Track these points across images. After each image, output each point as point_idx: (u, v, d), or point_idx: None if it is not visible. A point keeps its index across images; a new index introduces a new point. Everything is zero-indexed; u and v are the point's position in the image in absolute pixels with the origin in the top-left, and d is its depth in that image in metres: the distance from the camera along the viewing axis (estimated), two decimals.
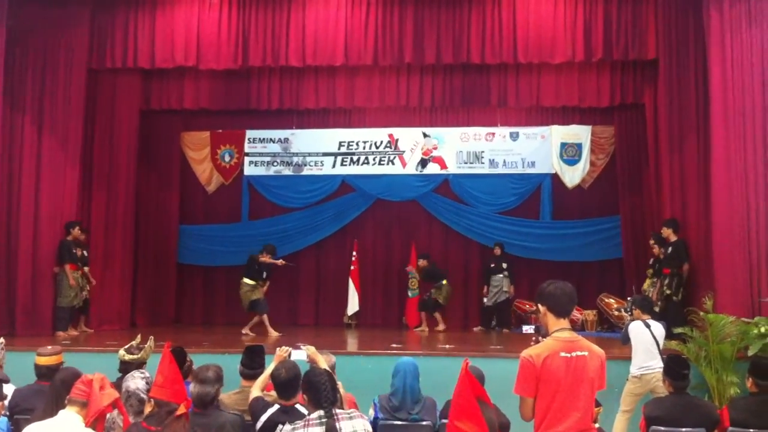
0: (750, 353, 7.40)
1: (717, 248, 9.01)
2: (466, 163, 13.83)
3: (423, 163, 13.89)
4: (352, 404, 5.36)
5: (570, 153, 13.53)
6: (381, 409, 5.42)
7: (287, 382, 4.64)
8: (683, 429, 5.33)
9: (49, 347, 5.58)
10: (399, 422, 5.27)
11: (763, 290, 8.55)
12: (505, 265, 12.80)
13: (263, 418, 4.54)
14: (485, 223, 13.69)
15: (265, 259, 11.78)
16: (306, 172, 14.11)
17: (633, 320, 7.70)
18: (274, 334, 11.24)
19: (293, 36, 11.03)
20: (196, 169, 14.35)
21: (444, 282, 12.56)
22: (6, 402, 4.86)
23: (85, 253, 11.40)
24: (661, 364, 6.80)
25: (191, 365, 5.45)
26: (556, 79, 12.14)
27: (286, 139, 14.17)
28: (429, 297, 12.58)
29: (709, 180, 9.31)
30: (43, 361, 5.43)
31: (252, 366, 5.49)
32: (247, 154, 14.24)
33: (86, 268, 11.35)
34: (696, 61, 10.09)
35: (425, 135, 13.94)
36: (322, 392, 4.07)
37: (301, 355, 5.35)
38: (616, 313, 12.01)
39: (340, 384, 4.78)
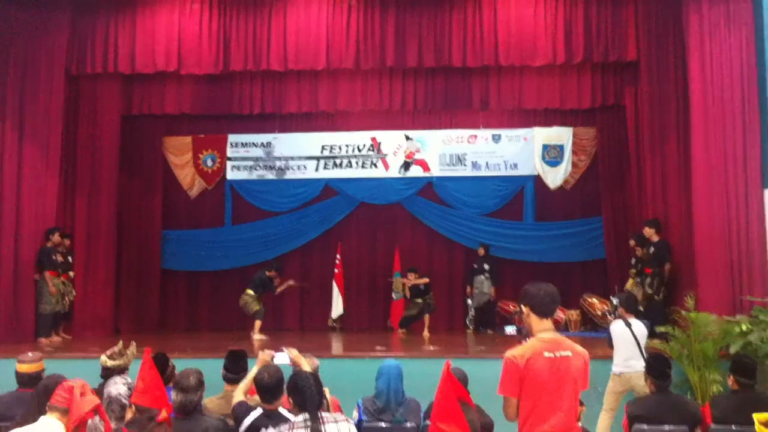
0: (732, 351, 7.45)
1: (699, 247, 9.07)
2: (449, 165, 13.86)
3: (406, 166, 13.91)
4: (337, 407, 5.37)
5: (552, 155, 13.59)
6: (365, 411, 5.43)
7: (270, 386, 4.63)
8: (666, 427, 5.36)
9: (30, 354, 5.53)
10: (383, 424, 5.27)
11: (745, 289, 8.61)
12: (486, 267, 12.81)
13: (246, 422, 4.52)
14: (469, 225, 13.72)
15: (277, 281, 12.22)
16: (289, 176, 14.09)
17: (615, 319, 7.74)
18: (260, 336, 11.25)
19: (275, 40, 11.00)
20: (179, 174, 14.29)
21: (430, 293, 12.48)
22: None
23: (69, 259, 11.34)
24: (643, 363, 6.84)
25: (173, 370, 5.43)
26: (538, 81, 12.21)
27: (269, 143, 14.14)
28: (423, 304, 12.38)
29: (690, 180, 9.37)
30: (25, 368, 5.40)
31: (235, 370, 5.49)
32: (230, 159, 14.20)
33: (71, 273, 11.28)
34: (676, 63, 10.18)
35: (408, 138, 13.96)
36: (307, 396, 4.05)
37: (284, 358, 5.33)
38: (599, 313, 12.07)
39: (326, 389, 4.78)
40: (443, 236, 13.87)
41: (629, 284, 10.74)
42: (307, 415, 4.00)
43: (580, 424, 4.47)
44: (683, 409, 5.55)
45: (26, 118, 10.93)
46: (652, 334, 7.82)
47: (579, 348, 3.97)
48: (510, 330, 12.18)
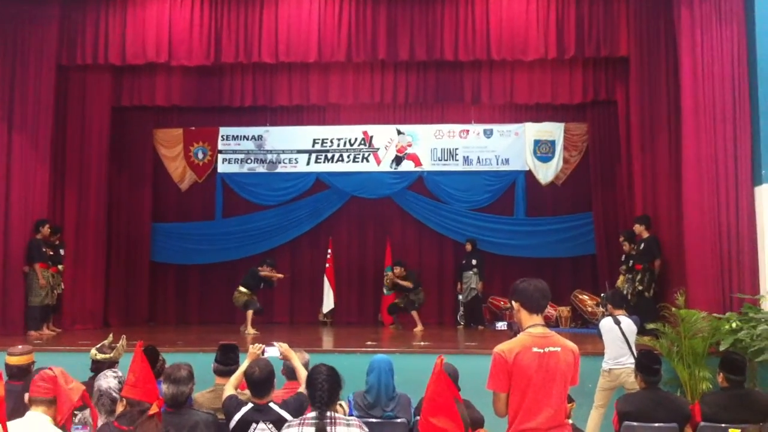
0: (721, 348, 7.44)
1: (688, 244, 9.08)
2: (440, 160, 13.86)
3: (397, 160, 13.90)
4: None
5: (543, 150, 13.61)
6: (355, 406, 5.42)
7: (261, 381, 4.62)
8: (655, 424, 5.37)
9: (20, 347, 5.51)
10: (374, 419, 5.26)
11: (735, 286, 8.62)
12: (474, 262, 12.80)
13: (237, 416, 4.51)
14: (459, 220, 13.73)
15: (266, 273, 11.98)
16: (280, 169, 14.07)
17: (605, 316, 7.75)
18: (251, 331, 11.24)
19: (266, 32, 10.97)
20: (169, 166, 14.24)
21: (420, 288, 12.35)
22: None
23: (61, 252, 11.30)
24: (632, 360, 6.88)
25: (164, 364, 5.40)
26: (529, 76, 12.22)
27: (260, 137, 14.11)
28: (406, 300, 12.28)
29: (681, 176, 9.37)
30: (14, 360, 5.37)
31: (226, 363, 5.49)
32: (221, 152, 14.16)
33: (60, 267, 11.23)
34: (667, 58, 10.17)
35: (399, 132, 13.95)
36: (317, 392, 4.02)
37: (274, 352, 5.32)
38: (590, 309, 12.10)
39: None
40: (433, 231, 13.88)
41: (620, 281, 10.76)
42: (316, 413, 3.98)
43: (570, 420, 4.47)
44: (673, 405, 5.56)
45: (15, 110, 10.87)
46: (642, 331, 7.83)
47: (569, 344, 3.96)
48: (501, 325, 12.20)
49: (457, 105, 13.59)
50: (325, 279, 13.46)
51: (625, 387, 7.06)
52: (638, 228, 10.40)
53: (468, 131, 13.86)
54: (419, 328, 11.80)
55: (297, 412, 4.56)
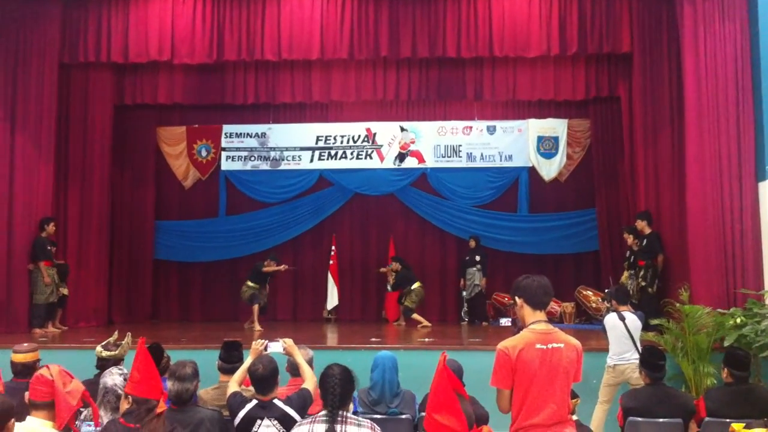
0: (726, 344, 7.45)
1: (692, 240, 9.08)
2: (443, 156, 13.85)
3: (401, 157, 13.89)
4: None
5: (547, 146, 13.59)
6: (360, 403, 5.43)
7: (264, 377, 4.62)
8: (660, 420, 5.38)
9: (26, 344, 5.52)
10: (378, 416, 5.27)
11: (738, 281, 8.62)
12: (478, 258, 12.80)
13: (241, 413, 4.52)
14: (463, 216, 13.72)
15: (269, 268, 12.02)
16: (283, 166, 14.06)
17: (609, 312, 7.75)
18: (258, 327, 11.27)
19: (268, 30, 10.98)
20: (173, 164, 14.25)
21: (416, 285, 12.28)
22: None
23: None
24: (636, 356, 6.87)
25: (168, 361, 5.42)
26: (532, 72, 12.20)
27: (263, 134, 14.11)
28: (402, 306, 12.33)
29: (684, 172, 9.36)
30: (20, 358, 5.38)
31: (230, 360, 5.50)
32: (224, 149, 14.16)
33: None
34: (670, 55, 10.17)
35: (402, 129, 13.94)
36: (328, 393, 4.00)
37: (277, 347, 5.30)
38: (594, 305, 12.10)
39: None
40: (436, 227, 13.88)
41: (624, 277, 10.76)
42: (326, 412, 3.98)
43: (574, 417, 4.48)
44: (677, 401, 5.57)
45: (18, 109, 10.88)
46: (646, 327, 7.83)
47: (572, 340, 3.96)
48: (505, 322, 12.21)
49: (460, 102, 13.57)
50: (329, 276, 13.48)
51: (630, 383, 7.07)
52: (640, 224, 10.40)
53: (471, 128, 13.84)
54: (425, 323, 11.86)
55: (301, 408, 4.57)
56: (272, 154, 14.07)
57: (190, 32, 11.04)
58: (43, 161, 11.02)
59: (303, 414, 4.53)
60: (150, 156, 14.00)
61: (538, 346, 3.84)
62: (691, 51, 9.28)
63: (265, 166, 14.10)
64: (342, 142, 13.98)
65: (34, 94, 10.99)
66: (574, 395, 4.33)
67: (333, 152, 13.98)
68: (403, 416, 5.36)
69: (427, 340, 9.99)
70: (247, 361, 5.03)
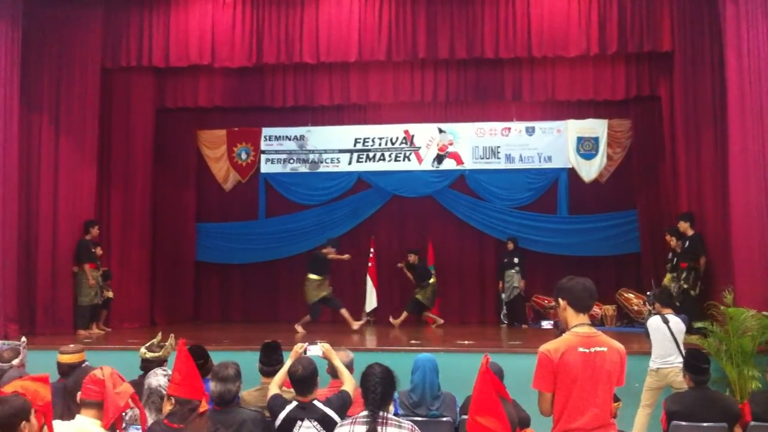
0: None
1: (735, 241, 8.95)
2: (482, 158, 13.80)
3: (439, 158, 13.87)
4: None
5: (587, 147, 13.46)
6: (401, 405, 5.44)
7: (304, 379, 4.65)
8: (704, 424, 5.31)
9: (72, 345, 5.62)
10: (419, 418, 5.28)
11: None
12: (516, 260, 12.74)
13: (282, 415, 4.55)
14: (501, 218, 13.66)
15: (333, 256, 11.78)
16: (322, 169, 14.12)
17: (652, 314, 7.66)
18: (356, 324, 11.36)
19: (307, 33, 11.05)
20: (213, 167, 14.38)
21: (431, 281, 12.39)
22: None
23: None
24: (680, 359, 6.80)
25: (211, 364, 5.47)
26: (571, 72, 12.08)
27: (302, 137, 14.18)
28: (412, 298, 12.40)
29: (727, 172, 9.24)
30: (66, 359, 5.47)
31: (269, 363, 5.51)
32: (264, 152, 14.26)
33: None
34: (712, 53, 10.04)
35: (441, 131, 13.91)
36: (369, 391, 4.04)
37: (316, 351, 5.33)
38: (636, 308, 11.97)
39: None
40: (474, 229, 13.82)
41: (666, 279, 10.62)
42: (368, 412, 4.00)
43: (615, 420, 4.44)
44: (722, 405, 5.49)
45: (62, 113, 11.09)
46: (689, 330, 7.74)
47: (616, 344, 3.91)
48: (546, 324, 12.13)
49: (498, 102, 13.48)
50: (368, 278, 13.49)
51: (673, 386, 6.98)
52: (683, 225, 10.25)
53: (509, 129, 13.77)
54: (439, 321, 11.91)
55: (340, 409, 4.59)
56: (311, 156, 14.14)
57: (229, 36, 11.14)
58: (86, 165, 11.20)
59: (342, 416, 4.55)
60: (191, 159, 14.16)
61: (581, 349, 3.80)
62: (734, 49, 9.15)
63: (303, 168, 14.17)
64: (380, 144, 14.00)
65: (78, 98, 11.18)
66: (615, 399, 4.30)
67: (371, 154, 14.00)
68: (444, 419, 5.36)
69: (466, 342, 9.96)
70: (287, 362, 5.05)
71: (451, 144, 13.85)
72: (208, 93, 12.87)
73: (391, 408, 5.25)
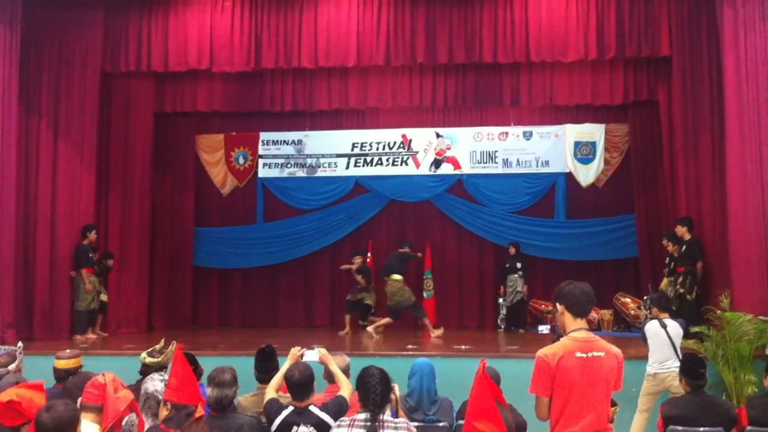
0: (767, 351, 7.36)
1: (733, 246, 8.96)
2: (479, 162, 13.80)
3: (436, 163, 13.88)
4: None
5: (584, 152, 13.47)
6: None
7: (300, 384, 4.64)
8: (701, 428, 5.31)
9: (68, 351, 5.62)
10: (415, 423, 5.26)
11: None
12: (519, 265, 12.75)
13: (278, 420, 4.54)
14: (499, 222, 13.66)
15: (414, 254, 11.92)
16: (320, 173, 14.12)
17: (649, 319, 7.66)
18: (436, 332, 11.26)
19: (305, 38, 11.07)
20: (211, 171, 14.38)
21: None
22: None
23: (110, 262, 11.52)
24: (677, 363, 6.79)
25: (200, 370, 5.47)
26: (569, 77, 12.10)
27: (300, 141, 14.19)
28: (353, 297, 12.34)
29: (724, 177, 9.25)
30: (63, 364, 5.47)
31: (264, 370, 5.45)
32: (261, 157, 14.25)
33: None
34: (710, 58, 10.05)
35: (438, 135, 13.92)
36: (370, 394, 4.03)
37: (313, 356, 5.33)
38: (633, 312, 11.96)
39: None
40: (473, 234, 13.82)
41: (663, 283, 10.62)
42: (368, 415, 4.00)
43: (612, 425, 4.44)
44: (719, 410, 5.49)
45: (61, 117, 11.11)
46: (686, 334, 7.74)
47: (613, 348, 3.92)
48: (543, 329, 12.13)
49: (496, 107, 13.49)
50: None
51: (670, 391, 6.98)
52: (680, 230, 10.26)
53: (507, 133, 13.78)
54: (378, 325, 11.63)
55: (337, 414, 4.58)
56: (308, 161, 14.14)
57: (228, 41, 11.17)
58: (85, 169, 11.22)
59: None
60: (190, 163, 14.16)
61: (579, 354, 3.80)
62: (732, 54, 9.17)
63: (301, 173, 14.17)
64: (378, 149, 14.00)
65: (77, 102, 11.21)
66: (612, 403, 4.29)
67: (369, 159, 14.01)
68: (441, 424, 5.35)
69: (463, 347, 9.95)
70: (284, 367, 5.05)
71: (448, 148, 13.85)
72: (207, 98, 12.90)
73: (388, 411, 5.26)
